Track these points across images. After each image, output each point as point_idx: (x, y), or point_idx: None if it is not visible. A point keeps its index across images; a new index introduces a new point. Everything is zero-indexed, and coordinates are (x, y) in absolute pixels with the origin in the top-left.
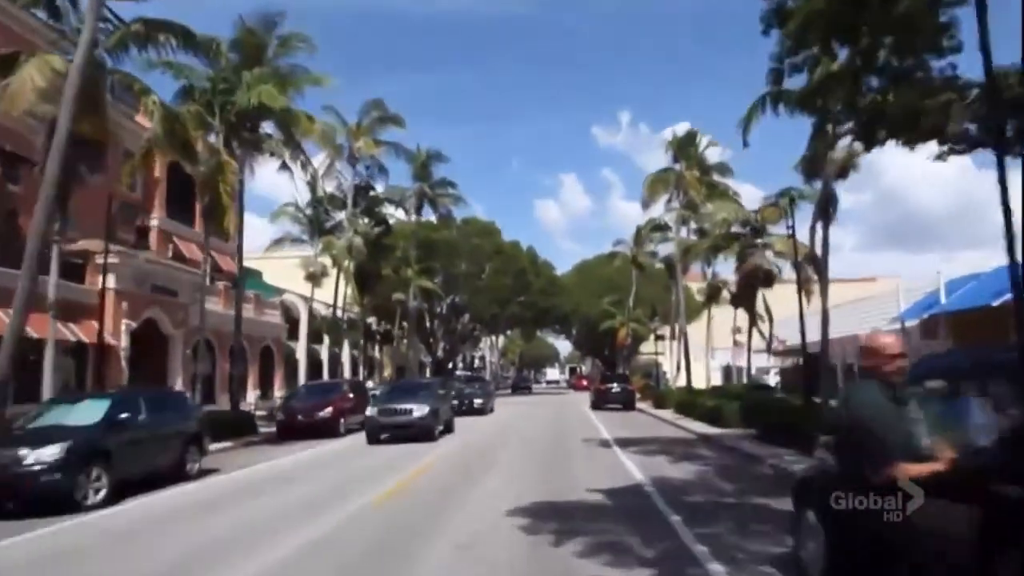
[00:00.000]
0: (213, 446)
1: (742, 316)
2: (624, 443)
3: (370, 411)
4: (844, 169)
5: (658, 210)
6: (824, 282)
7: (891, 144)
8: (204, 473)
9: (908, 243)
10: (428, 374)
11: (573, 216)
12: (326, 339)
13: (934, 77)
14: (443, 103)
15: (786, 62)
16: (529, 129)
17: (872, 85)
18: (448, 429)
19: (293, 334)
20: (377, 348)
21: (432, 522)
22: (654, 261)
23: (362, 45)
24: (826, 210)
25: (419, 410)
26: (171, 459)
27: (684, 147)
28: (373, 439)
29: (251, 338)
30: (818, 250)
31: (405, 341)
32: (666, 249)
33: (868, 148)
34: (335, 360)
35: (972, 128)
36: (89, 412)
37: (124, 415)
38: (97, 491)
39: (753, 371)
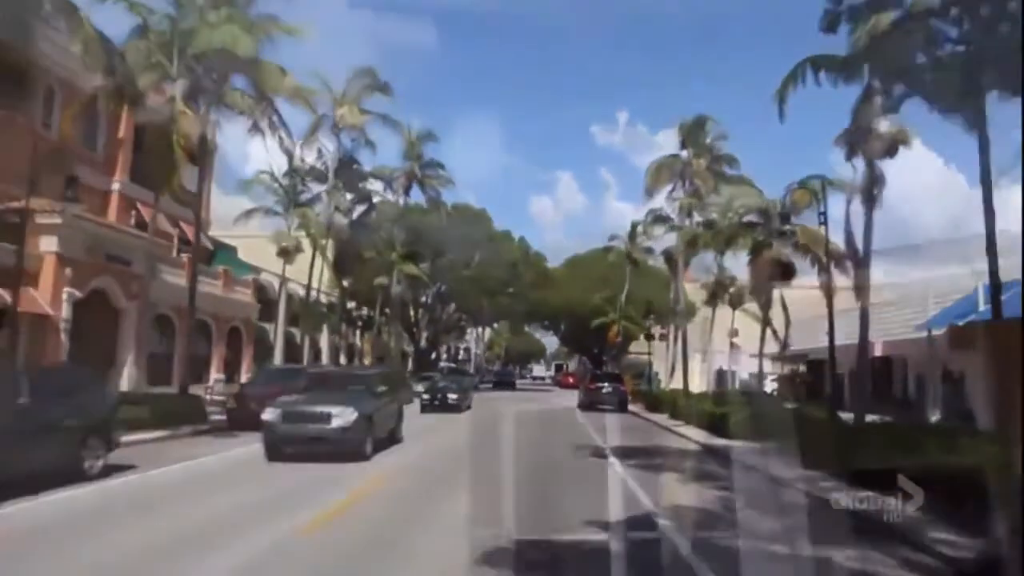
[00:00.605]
0: (147, 435)
1: (740, 318)
2: (622, 453)
3: (269, 414)
4: (894, 145)
5: (659, 202)
6: (863, 277)
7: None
8: (112, 471)
9: (894, 256)
10: (411, 364)
11: (567, 213)
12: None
13: None
14: (442, 99)
15: (845, 3)
16: (529, 125)
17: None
18: (393, 439)
19: (271, 315)
20: (358, 335)
21: (373, 569)
22: (649, 257)
23: (357, 39)
24: (870, 191)
25: (341, 416)
26: (64, 455)
27: (693, 134)
28: (274, 455)
29: (217, 317)
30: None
31: (387, 329)
32: (664, 244)
33: (958, 108)
34: (314, 345)
35: None
36: None
37: None
38: None
39: (745, 376)
